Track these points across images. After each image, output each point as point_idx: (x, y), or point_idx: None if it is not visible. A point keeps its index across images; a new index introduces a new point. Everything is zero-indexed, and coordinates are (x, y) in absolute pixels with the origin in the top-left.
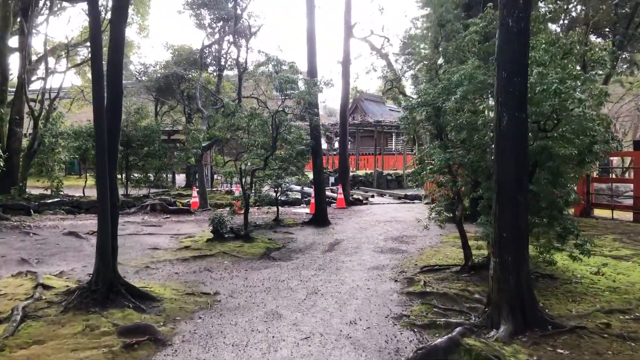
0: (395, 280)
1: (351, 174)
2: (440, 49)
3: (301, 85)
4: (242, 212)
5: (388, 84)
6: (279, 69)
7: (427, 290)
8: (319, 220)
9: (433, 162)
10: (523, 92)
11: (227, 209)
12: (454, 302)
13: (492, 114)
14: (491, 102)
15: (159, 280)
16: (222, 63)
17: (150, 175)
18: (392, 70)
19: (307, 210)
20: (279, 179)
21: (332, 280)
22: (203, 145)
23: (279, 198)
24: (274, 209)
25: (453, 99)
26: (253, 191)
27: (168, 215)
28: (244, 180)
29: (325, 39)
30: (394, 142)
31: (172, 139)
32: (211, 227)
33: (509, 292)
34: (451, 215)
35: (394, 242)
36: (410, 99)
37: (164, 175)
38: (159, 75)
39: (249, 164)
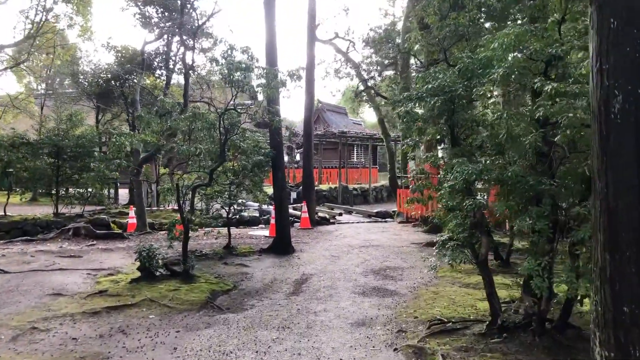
0: (395, 349)
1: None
2: (450, 19)
3: (257, 80)
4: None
5: (361, 85)
6: (229, 55)
7: None
8: (281, 246)
9: (441, 176)
10: None
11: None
12: None
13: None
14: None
15: (41, 355)
16: (171, 66)
17: (88, 190)
18: (358, 74)
19: (267, 233)
20: (232, 198)
21: (303, 352)
22: (142, 156)
23: (233, 218)
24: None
25: (490, 78)
26: (198, 212)
27: (94, 242)
28: (183, 199)
29: (287, 44)
30: (355, 155)
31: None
32: (134, 266)
33: None
34: (468, 251)
35: (377, 277)
36: (412, 90)
37: (102, 191)
38: (99, 80)
39: (193, 178)
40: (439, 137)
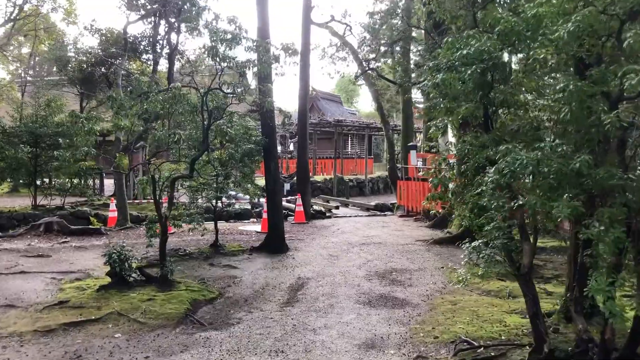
0: None
1: None
2: None
3: (246, 54)
4: (173, 231)
5: (359, 70)
6: (213, 25)
7: None
8: (274, 244)
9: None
10: None
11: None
12: None
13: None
14: None
15: None
16: (158, 50)
17: (71, 181)
18: (356, 58)
19: (258, 228)
20: (219, 191)
21: None
22: (125, 143)
23: (223, 211)
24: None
25: (550, 39)
26: (182, 207)
27: (67, 239)
28: (164, 192)
29: (281, 27)
30: (350, 145)
31: (107, 140)
32: (109, 268)
33: None
34: (506, 260)
35: (383, 281)
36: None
37: (85, 181)
38: (83, 65)
39: (182, 169)
40: (466, 119)
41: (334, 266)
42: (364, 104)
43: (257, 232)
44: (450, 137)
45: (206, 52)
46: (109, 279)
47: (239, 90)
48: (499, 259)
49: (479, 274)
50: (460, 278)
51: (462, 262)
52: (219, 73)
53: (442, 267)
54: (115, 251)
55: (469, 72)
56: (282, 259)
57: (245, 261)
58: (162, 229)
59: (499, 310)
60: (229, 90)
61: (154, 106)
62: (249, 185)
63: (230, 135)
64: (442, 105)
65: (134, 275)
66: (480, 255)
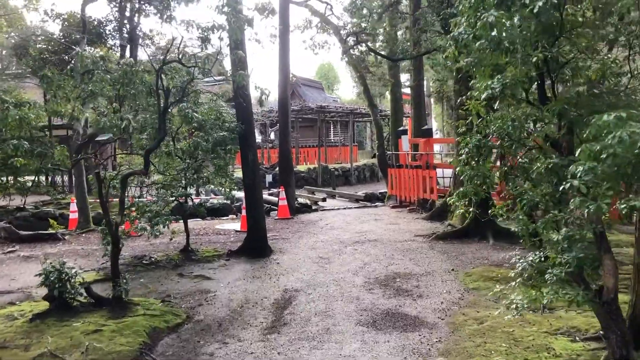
0: None
1: None
2: None
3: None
4: (136, 234)
5: (351, 37)
6: None
7: None
8: (255, 247)
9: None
10: None
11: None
12: None
13: None
14: None
15: None
16: (126, 35)
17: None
18: (340, 38)
19: (238, 226)
20: (188, 187)
21: None
22: (85, 136)
23: (199, 207)
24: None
25: None
26: (144, 207)
27: (15, 247)
28: (105, 193)
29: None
30: (333, 132)
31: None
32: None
33: None
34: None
35: (386, 291)
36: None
37: (53, 179)
38: (44, 53)
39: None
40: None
41: (326, 272)
42: (345, 90)
43: (237, 230)
44: (434, 123)
45: (158, 14)
46: (47, 304)
47: (204, 54)
48: (571, 281)
49: (544, 301)
50: (515, 305)
51: (514, 283)
52: (171, 47)
53: (453, 270)
54: (53, 269)
55: (540, 3)
56: (264, 264)
57: (221, 269)
58: (113, 240)
59: (538, 330)
60: (190, 63)
61: (100, 87)
62: (224, 180)
63: (197, 121)
64: (487, 62)
65: (79, 298)
66: (548, 276)
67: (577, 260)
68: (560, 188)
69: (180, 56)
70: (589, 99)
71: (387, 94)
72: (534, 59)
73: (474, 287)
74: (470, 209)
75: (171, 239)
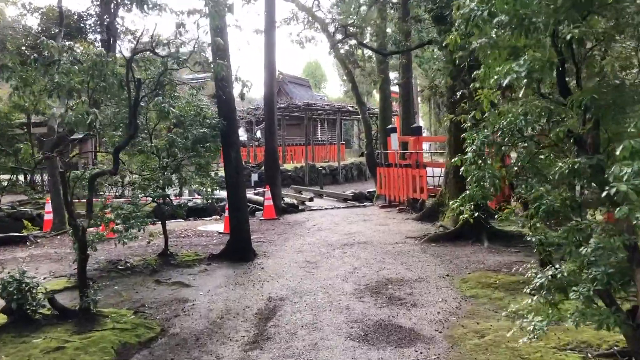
0: None
1: None
2: None
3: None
4: (113, 235)
5: (339, 32)
6: None
7: None
8: (238, 250)
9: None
10: None
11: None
12: None
13: None
14: None
15: None
16: (106, 29)
17: (12, 177)
18: (328, 34)
19: (221, 227)
20: (165, 187)
21: None
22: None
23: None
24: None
25: None
26: (119, 209)
27: None
28: (70, 193)
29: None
30: (320, 131)
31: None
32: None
33: None
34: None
35: (378, 299)
36: None
37: (27, 178)
38: (22, 47)
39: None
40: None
41: (313, 278)
42: (333, 89)
43: (220, 232)
44: (421, 122)
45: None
46: (5, 318)
47: (179, 41)
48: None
49: (569, 324)
50: (533, 327)
51: (531, 301)
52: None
53: (447, 275)
54: (12, 279)
55: None
56: (248, 269)
57: (201, 275)
58: (80, 246)
59: (546, 345)
60: (163, 52)
61: (67, 79)
62: (205, 180)
63: (175, 117)
64: (505, 44)
65: (42, 310)
66: (574, 295)
67: (606, 276)
68: (604, 193)
69: (154, 45)
70: (614, 91)
71: (375, 93)
72: (558, 40)
73: (471, 295)
74: (476, 214)
75: (149, 242)
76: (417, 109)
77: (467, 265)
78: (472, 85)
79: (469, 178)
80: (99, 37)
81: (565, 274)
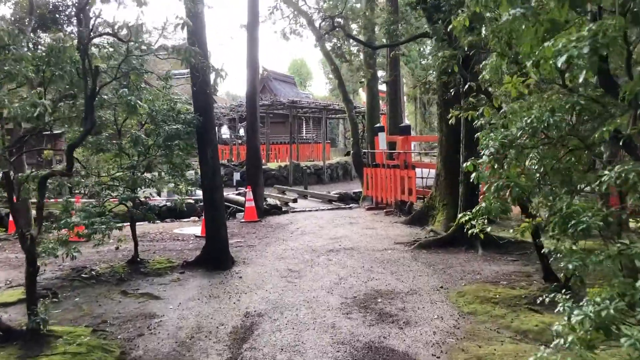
0: None
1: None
2: None
3: None
4: (82, 240)
5: (326, 23)
6: None
7: None
8: (214, 257)
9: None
10: None
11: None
12: None
13: None
14: None
15: None
16: (84, 20)
17: None
18: (314, 28)
19: (198, 230)
20: (134, 189)
21: None
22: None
23: (161, 207)
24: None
25: None
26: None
27: None
28: (16, 196)
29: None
30: (305, 129)
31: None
32: None
33: None
34: None
35: (367, 316)
36: None
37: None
38: None
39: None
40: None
41: (295, 290)
42: (318, 87)
43: (197, 236)
44: (406, 122)
45: None
46: None
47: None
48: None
49: None
50: None
51: (562, 341)
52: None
53: (442, 287)
54: None
55: None
56: (224, 279)
57: (173, 285)
58: (28, 258)
59: None
60: (122, 32)
61: (18, 69)
62: (180, 181)
63: (146, 112)
64: (544, 17)
65: None
66: (626, 340)
67: None
68: None
69: (116, 29)
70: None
71: (361, 92)
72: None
73: (469, 311)
74: (488, 228)
75: (117, 248)
76: (403, 108)
77: (462, 276)
78: (481, 77)
79: (485, 187)
80: (75, 29)
81: (612, 311)
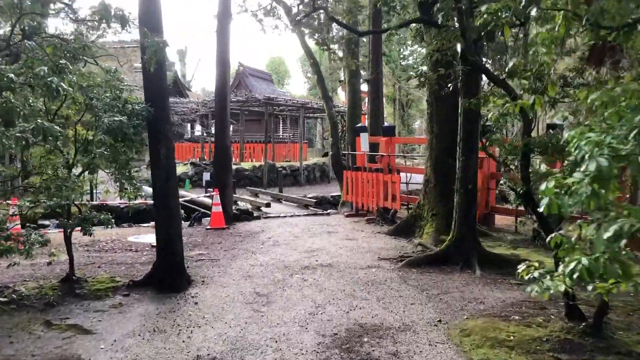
0: None
1: (234, 166)
2: None
3: None
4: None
5: (305, 5)
6: None
7: None
8: (167, 276)
9: None
10: None
11: None
12: None
13: None
14: None
15: None
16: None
17: None
18: (292, 19)
19: (154, 239)
20: (67, 194)
21: None
22: None
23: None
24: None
25: None
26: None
27: None
28: None
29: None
30: (282, 128)
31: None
32: None
33: None
34: None
35: None
36: None
37: None
38: None
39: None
40: None
41: (262, 322)
42: (296, 86)
43: (153, 245)
44: (385, 122)
45: None
46: None
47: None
48: None
49: None
50: None
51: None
52: None
53: (440, 321)
54: None
55: None
56: (176, 305)
57: (111, 313)
58: None
59: None
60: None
61: None
62: (126, 183)
63: (74, 98)
64: None
65: None
66: None
67: None
68: None
69: None
70: None
71: (340, 91)
72: None
73: (475, 348)
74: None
75: (49, 263)
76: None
77: (462, 305)
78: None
79: (588, 231)
80: None
81: None
